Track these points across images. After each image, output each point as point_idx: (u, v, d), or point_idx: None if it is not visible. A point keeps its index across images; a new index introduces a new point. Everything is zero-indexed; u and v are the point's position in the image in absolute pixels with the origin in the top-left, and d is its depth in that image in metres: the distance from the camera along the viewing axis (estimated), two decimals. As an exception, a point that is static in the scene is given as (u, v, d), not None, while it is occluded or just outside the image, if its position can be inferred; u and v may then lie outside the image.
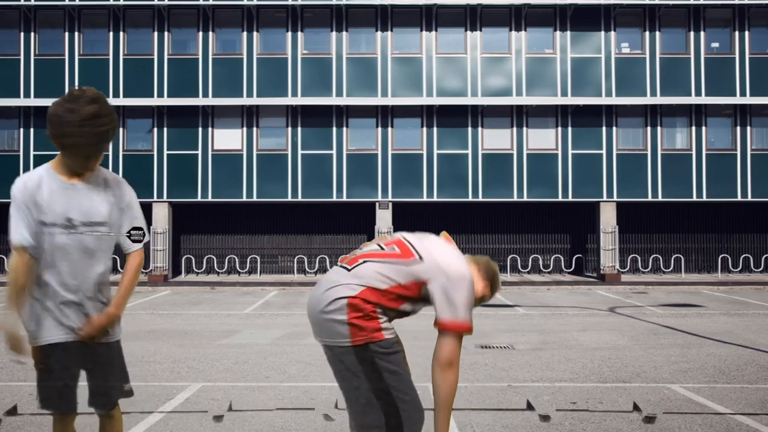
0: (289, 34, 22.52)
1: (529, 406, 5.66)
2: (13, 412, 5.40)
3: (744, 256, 23.73)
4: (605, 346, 9.16)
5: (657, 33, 22.38)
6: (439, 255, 2.83)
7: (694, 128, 22.47)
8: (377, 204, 22.31)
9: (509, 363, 7.87)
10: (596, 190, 22.28)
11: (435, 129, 22.43)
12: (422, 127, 22.47)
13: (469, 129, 22.43)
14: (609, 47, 22.38)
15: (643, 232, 24.06)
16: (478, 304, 2.96)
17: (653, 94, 22.18)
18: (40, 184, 2.96)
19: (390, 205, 22.24)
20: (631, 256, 23.88)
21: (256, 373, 7.32)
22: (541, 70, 22.42)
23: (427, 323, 11.22)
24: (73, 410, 3.09)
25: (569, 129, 22.35)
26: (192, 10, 22.42)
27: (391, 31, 22.56)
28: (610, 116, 22.37)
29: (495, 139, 22.45)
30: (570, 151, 22.29)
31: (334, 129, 22.44)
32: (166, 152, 22.32)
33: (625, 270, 23.57)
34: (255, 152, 22.40)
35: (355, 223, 23.92)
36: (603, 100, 22.01)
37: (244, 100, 22.06)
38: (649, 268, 23.81)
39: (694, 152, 22.39)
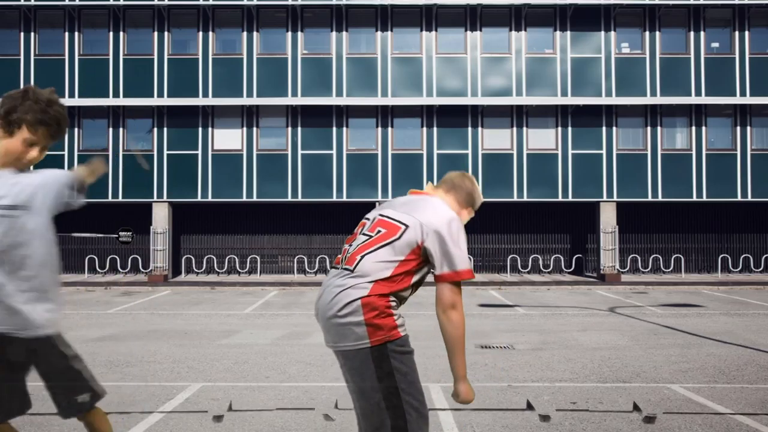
0: (289, 34, 22.51)
1: (529, 406, 5.66)
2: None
3: (744, 256, 23.73)
4: (605, 346, 9.16)
5: (657, 33, 22.38)
6: (420, 214, 2.82)
7: (694, 128, 22.47)
8: (377, 204, 22.25)
9: (509, 363, 7.87)
10: (596, 190, 22.28)
11: (435, 129, 22.42)
12: (422, 127, 22.46)
13: (469, 129, 22.43)
14: (609, 47, 22.38)
15: (643, 232, 24.05)
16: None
17: (653, 94, 22.17)
18: None
19: (390, 205, 22.20)
20: (631, 256, 23.87)
21: (256, 373, 7.31)
22: (541, 70, 22.41)
23: (427, 323, 11.13)
24: None
25: (569, 129, 22.34)
26: (192, 10, 22.42)
27: (391, 31, 22.55)
28: (610, 116, 22.37)
29: (495, 139, 22.44)
30: (570, 151, 22.29)
31: (334, 129, 22.43)
32: (166, 152, 22.32)
33: (625, 270, 23.56)
34: (255, 152, 22.39)
35: (355, 223, 23.69)
36: (603, 100, 22.00)
37: (244, 100, 22.05)
38: (649, 268, 23.80)
39: (694, 152, 22.39)
